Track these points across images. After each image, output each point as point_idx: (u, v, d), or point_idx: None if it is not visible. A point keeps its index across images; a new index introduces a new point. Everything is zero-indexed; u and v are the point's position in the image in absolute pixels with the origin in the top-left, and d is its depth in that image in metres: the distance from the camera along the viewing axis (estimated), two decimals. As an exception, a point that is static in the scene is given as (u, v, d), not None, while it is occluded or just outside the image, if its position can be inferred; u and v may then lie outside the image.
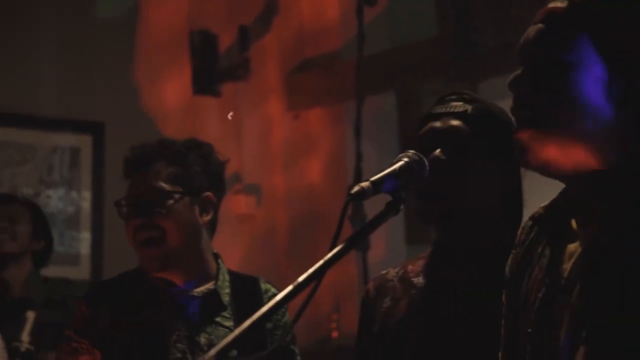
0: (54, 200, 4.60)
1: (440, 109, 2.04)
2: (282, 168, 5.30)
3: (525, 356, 1.53)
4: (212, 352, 1.17)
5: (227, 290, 2.49)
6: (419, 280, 2.06)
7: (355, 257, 4.40)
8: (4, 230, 3.61)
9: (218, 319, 2.45)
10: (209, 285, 2.47)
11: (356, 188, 1.57)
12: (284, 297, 1.30)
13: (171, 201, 2.40)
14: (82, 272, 4.51)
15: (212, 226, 2.51)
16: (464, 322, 1.97)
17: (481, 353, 1.90)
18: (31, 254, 3.71)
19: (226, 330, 2.43)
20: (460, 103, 2.03)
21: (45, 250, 3.76)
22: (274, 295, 2.50)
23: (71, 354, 2.46)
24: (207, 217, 2.47)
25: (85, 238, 4.66)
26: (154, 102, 4.89)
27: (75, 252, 4.63)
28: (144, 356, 2.40)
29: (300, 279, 1.33)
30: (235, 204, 5.12)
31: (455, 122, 2.01)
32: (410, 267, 2.11)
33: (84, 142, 4.68)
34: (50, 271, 3.83)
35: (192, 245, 2.44)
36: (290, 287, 1.32)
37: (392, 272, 2.13)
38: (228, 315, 2.46)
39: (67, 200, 4.64)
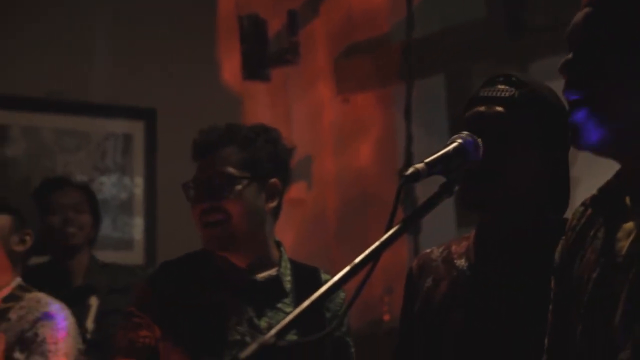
0: (107, 186, 4.65)
1: (487, 92, 2.01)
2: (332, 152, 5.30)
3: (575, 339, 1.53)
4: (273, 331, 1.18)
5: (289, 278, 2.51)
6: (462, 262, 2.06)
7: (406, 240, 4.40)
8: (72, 223, 3.64)
9: (279, 305, 2.47)
10: (272, 272, 2.49)
11: (410, 170, 1.58)
12: (341, 279, 1.30)
13: (239, 186, 2.41)
14: (135, 257, 4.56)
15: (276, 213, 2.53)
16: (503, 307, 1.96)
17: (522, 339, 1.90)
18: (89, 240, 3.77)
19: (287, 316, 2.44)
20: (507, 87, 2.00)
21: (97, 233, 3.82)
22: None
23: (132, 329, 2.48)
24: (272, 204, 2.48)
25: (138, 223, 4.71)
26: (202, 87, 4.92)
27: (129, 238, 4.69)
28: (203, 336, 2.42)
29: (357, 260, 1.33)
30: (286, 188, 5.13)
31: (499, 108, 1.97)
32: (454, 248, 2.11)
33: (137, 129, 4.72)
34: (105, 256, 3.88)
35: (256, 230, 2.45)
36: (347, 269, 1.32)
37: (436, 252, 2.13)
38: (289, 302, 2.47)
39: (120, 186, 4.69)
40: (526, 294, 1.93)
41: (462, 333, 1.98)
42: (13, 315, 2.70)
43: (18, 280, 2.82)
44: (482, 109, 1.99)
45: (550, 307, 1.66)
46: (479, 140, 1.70)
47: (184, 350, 2.41)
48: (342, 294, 2.54)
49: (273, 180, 2.48)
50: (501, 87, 2.00)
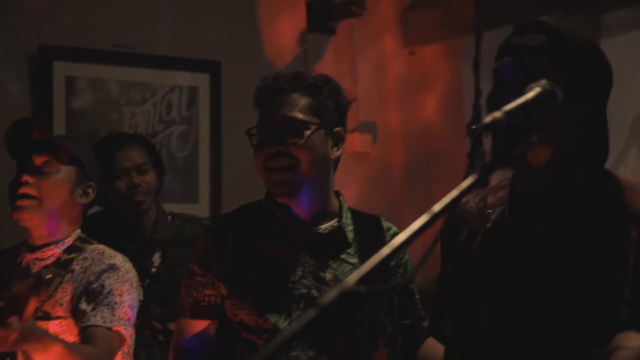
0: (172, 139, 4.66)
1: (516, 41, 1.88)
2: (397, 105, 5.25)
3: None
4: (353, 278, 1.16)
5: (351, 228, 2.48)
6: (496, 214, 1.98)
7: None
8: (139, 188, 3.61)
9: (343, 256, 2.44)
10: (333, 222, 2.46)
11: (489, 118, 1.53)
12: (422, 227, 1.27)
13: (308, 132, 2.39)
14: (201, 209, 4.57)
15: (337, 163, 2.50)
16: (538, 260, 1.89)
17: (558, 294, 1.83)
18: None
19: (352, 266, 2.43)
20: (536, 35, 1.86)
21: (161, 184, 3.81)
22: (396, 233, 2.52)
23: (196, 288, 2.48)
24: (337, 153, 2.46)
25: (203, 176, 4.72)
26: (269, 40, 4.90)
27: (194, 190, 4.70)
28: (269, 292, 2.40)
29: (436, 208, 1.30)
30: (351, 141, 5.10)
31: (526, 59, 1.83)
32: (490, 199, 2.02)
33: (202, 81, 4.71)
34: (171, 209, 3.89)
35: (322, 179, 2.43)
36: (425, 217, 1.29)
37: (472, 203, 2.04)
38: (352, 252, 2.45)
39: (186, 139, 4.69)
40: (562, 247, 1.86)
41: (496, 287, 1.92)
42: (77, 267, 2.72)
43: (78, 231, 2.85)
44: (508, 59, 1.86)
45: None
46: (559, 90, 1.65)
47: (251, 307, 2.39)
48: None
49: (339, 128, 2.46)
50: (530, 35, 1.86)
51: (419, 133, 5.25)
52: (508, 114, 1.52)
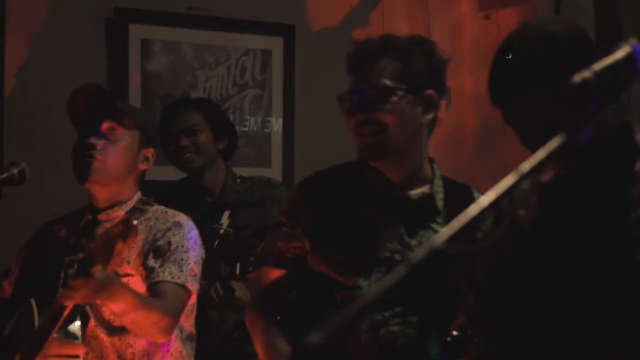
0: (246, 102, 4.68)
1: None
2: (471, 70, 5.18)
3: None
4: (444, 237, 1.15)
5: (441, 196, 2.46)
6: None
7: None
8: (187, 150, 3.69)
9: (432, 225, 2.43)
10: (425, 189, 2.45)
11: (577, 79, 1.49)
12: (510, 187, 1.25)
13: (395, 98, 2.37)
14: (274, 174, 4.58)
15: (431, 127, 2.48)
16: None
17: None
18: (220, 154, 3.80)
19: None
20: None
21: (229, 146, 3.83)
22: None
23: (283, 239, 2.51)
24: (429, 117, 2.44)
25: (277, 139, 4.73)
26: (341, 3, 4.86)
27: (267, 154, 4.71)
28: (353, 252, 2.40)
29: (525, 167, 1.28)
30: (424, 107, 5.06)
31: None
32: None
33: (276, 45, 4.71)
34: (243, 173, 3.91)
35: (411, 143, 2.42)
36: (513, 176, 1.27)
37: None
38: (441, 221, 2.43)
39: (259, 103, 4.70)
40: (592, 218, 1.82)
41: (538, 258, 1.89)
42: (140, 226, 2.76)
43: (139, 194, 2.90)
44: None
45: None
46: None
47: (333, 264, 2.41)
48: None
49: (430, 92, 2.43)
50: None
51: (493, 99, 5.18)
52: (598, 74, 1.48)
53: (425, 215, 2.43)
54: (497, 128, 5.16)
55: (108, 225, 2.68)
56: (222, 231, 3.66)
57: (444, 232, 1.18)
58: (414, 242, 2.40)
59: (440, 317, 2.34)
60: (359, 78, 2.42)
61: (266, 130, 4.71)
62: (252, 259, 2.68)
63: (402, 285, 1.09)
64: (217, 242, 3.65)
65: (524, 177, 1.26)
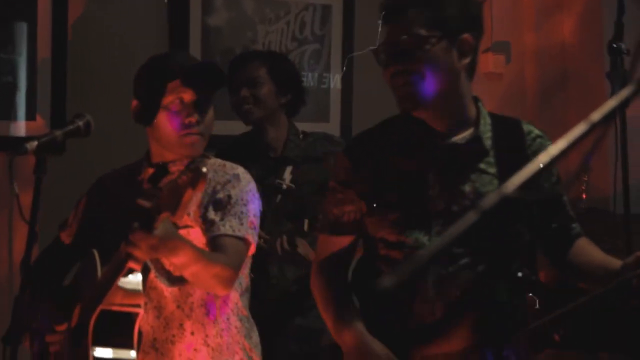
0: (305, 57, 4.68)
1: None
2: (533, 25, 5.12)
3: None
4: (515, 182, 1.14)
5: (489, 135, 2.43)
6: None
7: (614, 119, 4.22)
8: (247, 101, 3.69)
9: (482, 166, 2.40)
10: (470, 132, 2.44)
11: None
12: (580, 136, 1.23)
13: (428, 46, 2.35)
14: (332, 128, 4.59)
15: (471, 69, 2.44)
16: None
17: None
18: (283, 109, 3.80)
19: (490, 176, 2.39)
20: None
21: (293, 101, 3.83)
22: (538, 136, 2.47)
23: (336, 205, 2.51)
24: (465, 61, 2.40)
25: (335, 94, 4.73)
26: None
27: (326, 109, 4.72)
28: (407, 207, 2.40)
29: (595, 117, 1.26)
30: (484, 61, 5.02)
31: None
32: None
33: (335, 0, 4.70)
34: (302, 128, 3.92)
35: (450, 89, 2.39)
36: (584, 125, 1.25)
37: None
38: (491, 161, 2.41)
39: (318, 58, 4.70)
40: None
41: None
42: None
43: None
44: None
45: None
46: None
47: (390, 224, 2.41)
48: (548, 143, 2.45)
49: (465, 36, 2.40)
50: None
51: (554, 53, 5.12)
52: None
53: (473, 158, 2.40)
54: (558, 82, 5.11)
55: (167, 179, 2.67)
56: (284, 186, 3.68)
57: (515, 180, 1.18)
58: (467, 188, 2.38)
59: (507, 260, 2.34)
60: (391, 28, 2.40)
61: (323, 86, 4.71)
62: (320, 215, 2.68)
63: (471, 232, 1.09)
64: (279, 197, 3.67)
65: (594, 126, 1.25)
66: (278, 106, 3.75)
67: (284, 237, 3.54)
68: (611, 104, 1.31)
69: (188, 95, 2.71)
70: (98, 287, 2.66)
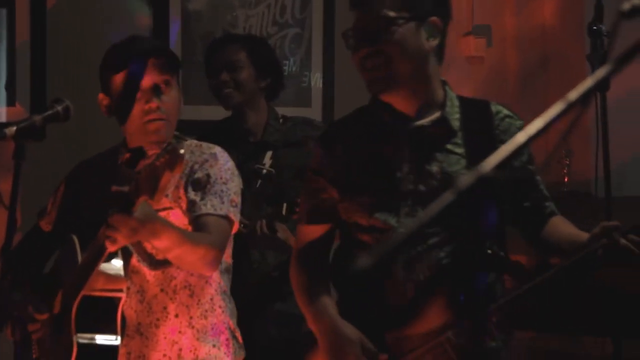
0: (286, 41, 4.66)
1: None
2: (513, 8, 5.13)
3: None
4: (491, 162, 1.14)
5: (457, 116, 2.45)
6: None
7: (591, 98, 4.22)
8: (227, 85, 3.68)
9: (449, 146, 2.43)
10: (438, 114, 2.46)
11: (626, 5, 1.46)
12: (557, 115, 1.24)
13: (396, 27, 2.37)
14: (314, 113, 4.59)
15: (439, 53, 2.47)
16: None
17: None
18: (262, 93, 3.80)
19: (458, 156, 2.42)
20: None
21: (273, 85, 3.82)
22: (507, 116, 2.49)
23: (311, 194, 2.54)
24: (433, 42, 2.42)
25: (316, 78, 4.72)
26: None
27: (307, 94, 4.71)
28: (377, 190, 2.43)
29: (572, 96, 1.26)
30: (465, 45, 5.03)
31: None
32: None
33: (315, -17, 4.70)
34: (283, 112, 3.91)
35: (418, 69, 2.41)
36: (561, 104, 1.25)
37: None
38: (459, 142, 2.43)
39: (299, 41, 4.69)
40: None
41: None
42: None
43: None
44: None
45: None
46: None
47: (361, 207, 2.43)
48: (518, 122, 2.48)
49: (433, 18, 2.42)
50: None
51: (535, 36, 5.13)
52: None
53: (440, 138, 2.43)
54: (539, 65, 5.12)
55: (145, 162, 2.66)
56: (264, 171, 3.68)
57: (492, 159, 1.18)
58: (434, 169, 2.41)
59: (477, 239, 2.36)
60: (360, 12, 2.43)
61: (306, 69, 4.70)
62: (298, 200, 2.70)
63: (446, 212, 1.10)
64: (259, 181, 3.67)
65: (571, 105, 1.25)
66: (258, 90, 3.74)
67: (263, 222, 3.54)
68: (588, 83, 1.31)
69: (145, 82, 2.71)
70: (79, 273, 2.65)
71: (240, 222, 3.56)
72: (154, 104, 2.71)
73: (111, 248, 2.45)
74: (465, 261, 2.36)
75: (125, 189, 2.35)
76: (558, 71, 5.01)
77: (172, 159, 2.28)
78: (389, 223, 2.39)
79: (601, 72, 1.35)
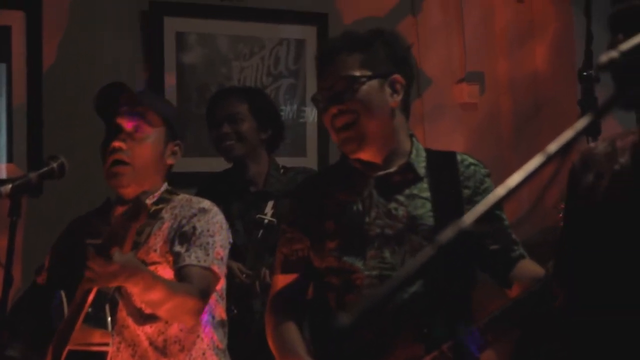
0: (280, 92, 4.70)
1: None
2: (505, 55, 5.17)
3: None
4: (471, 216, 1.16)
5: (423, 164, 2.57)
6: (625, 158, 1.94)
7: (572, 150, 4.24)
8: (229, 137, 3.74)
9: (415, 191, 2.53)
10: (404, 161, 2.55)
11: (604, 58, 1.49)
12: (537, 168, 1.26)
13: (361, 85, 2.50)
14: (309, 162, 4.60)
15: (405, 107, 2.59)
16: None
17: None
18: (263, 144, 3.83)
19: (423, 200, 2.52)
20: None
21: (273, 137, 3.87)
22: (471, 164, 2.57)
23: (285, 245, 2.62)
24: (397, 98, 2.54)
25: (311, 128, 4.75)
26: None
27: (302, 143, 4.74)
28: (346, 234, 2.52)
29: (551, 148, 1.28)
30: (458, 92, 5.07)
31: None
32: (618, 144, 1.99)
33: (309, 34, 4.73)
34: (280, 162, 3.94)
35: (385, 123, 2.53)
36: (540, 157, 1.28)
37: (601, 147, 2.01)
38: (425, 186, 2.54)
39: (293, 92, 4.73)
40: None
41: (622, 230, 1.89)
42: (166, 214, 2.80)
43: (165, 185, 2.91)
44: (622, 6, 1.85)
45: None
46: None
47: (331, 251, 2.52)
48: (483, 170, 2.57)
49: (395, 76, 2.54)
50: None
51: (527, 82, 5.17)
52: (624, 53, 1.48)
53: (406, 183, 2.54)
54: (532, 111, 5.16)
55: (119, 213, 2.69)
56: (266, 221, 3.70)
57: (472, 213, 1.20)
58: (400, 212, 2.51)
59: (447, 282, 2.40)
60: (327, 75, 2.55)
61: (301, 120, 4.74)
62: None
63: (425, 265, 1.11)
64: (261, 231, 3.69)
65: (550, 159, 1.27)
66: (259, 142, 3.79)
67: (266, 271, 3.56)
68: (568, 135, 1.33)
69: (115, 122, 2.80)
70: (64, 327, 2.66)
71: (243, 272, 3.58)
72: (117, 143, 2.76)
73: (89, 287, 2.49)
74: (433, 301, 2.42)
75: (99, 241, 2.41)
76: (550, 116, 5.04)
77: (135, 210, 2.35)
78: (355, 266, 2.48)
79: (581, 123, 1.37)
